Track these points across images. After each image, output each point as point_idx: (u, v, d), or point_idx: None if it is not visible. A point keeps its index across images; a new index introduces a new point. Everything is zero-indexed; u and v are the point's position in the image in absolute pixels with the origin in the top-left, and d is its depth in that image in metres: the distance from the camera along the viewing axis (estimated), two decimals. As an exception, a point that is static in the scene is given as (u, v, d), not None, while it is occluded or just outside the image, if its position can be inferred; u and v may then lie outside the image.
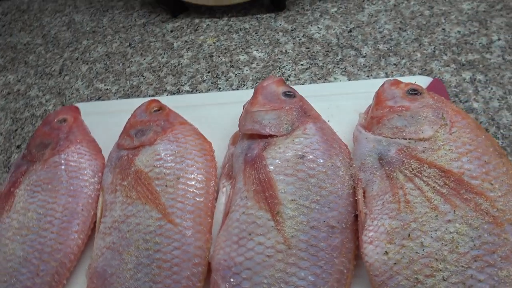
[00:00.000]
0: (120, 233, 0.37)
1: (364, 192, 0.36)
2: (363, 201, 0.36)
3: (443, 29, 0.57)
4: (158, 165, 0.40)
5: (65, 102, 0.59)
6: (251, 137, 0.41)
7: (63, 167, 0.42)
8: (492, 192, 0.32)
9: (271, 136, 0.40)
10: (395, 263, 0.32)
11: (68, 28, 0.72)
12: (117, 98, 0.58)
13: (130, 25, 0.69)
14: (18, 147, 0.54)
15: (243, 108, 0.45)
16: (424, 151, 0.35)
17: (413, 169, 0.35)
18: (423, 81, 0.49)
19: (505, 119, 0.46)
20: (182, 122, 0.45)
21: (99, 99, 0.58)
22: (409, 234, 0.32)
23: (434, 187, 0.33)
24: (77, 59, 0.65)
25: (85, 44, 0.68)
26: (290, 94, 0.43)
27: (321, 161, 0.38)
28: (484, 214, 0.31)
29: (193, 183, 0.40)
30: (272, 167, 0.37)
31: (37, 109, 0.59)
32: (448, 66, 0.53)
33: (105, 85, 0.60)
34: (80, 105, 0.52)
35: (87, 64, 0.64)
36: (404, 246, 0.32)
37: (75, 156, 0.44)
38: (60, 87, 0.61)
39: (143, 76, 0.60)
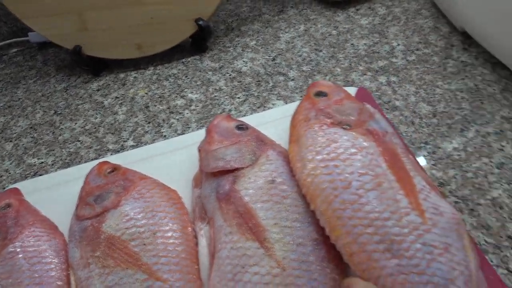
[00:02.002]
0: (107, 307, 0.35)
1: None
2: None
3: (352, 44, 0.65)
4: (130, 226, 0.39)
5: (-4, 186, 0.53)
6: (216, 175, 0.42)
7: (20, 255, 0.38)
8: None
9: (237, 169, 0.41)
10: None
11: (-22, 108, 0.66)
12: (55, 170, 0.54)
13: (50, 92, 0.66)
14: (-51, 248, 0.48)
15: (199, 150, 0.46)
16: None
17: None
18: (350, 91, 0.55)
19: (424, 110, 0.54)
20: (142, 177, 0.44)
21: (35, 175, 0.54)
22: None
23: None
24: (-3, 138, 0.60)
25: (2, 121, 0.63)
26: (243, 127, 0.45)
27: (290, 182, 0.40)
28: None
29: (170, 234, 0.39)
30: (247, 198, 0.39)
31: (-38, 201, 0.52)
32: (365, 74, 0.59)
33: (38, 159, 0.56)
34: (17, 186, 0.48)
35: (10, 141, 0.59)
36: None
37: (31, 241, 0.40)
38: (-15, 172, 0.56)
39: (79, 141, 0.57)
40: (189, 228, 0.40)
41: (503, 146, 0.49)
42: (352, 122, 0.43)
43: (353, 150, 0.40)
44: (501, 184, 0.46)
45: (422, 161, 0.48)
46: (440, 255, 0.35)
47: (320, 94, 0.46)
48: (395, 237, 0.35)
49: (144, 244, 0.37)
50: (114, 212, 0.40)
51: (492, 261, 0.40)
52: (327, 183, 0.39)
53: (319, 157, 0.40)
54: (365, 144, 0.41)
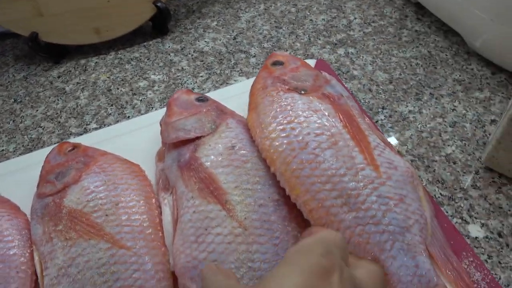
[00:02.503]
0: (70, 278, 0.35)
1: None
2: None
3: (311, 20, 0.66)
4: (92, 198, 0.39)
5: (-45, 177, 0.52)
6: (177, 145, 0.42)
7: (-20, 235, 0.38)
8: None
9: (198, 138, 0.41)
10: None
11: None
12: (18, 156, 0.53)
13: (9, 82, 0.65)
14: None
15: (161, 124, 0.46)
16: None
17: None
18: (309, 63, 0.56)
19: (380, 77, 0.55)
20: (103, 153, 0.44)
21: (-4, 162, 0.53)
22: None
23: None
24: (-45, 130, 0.58)
25: (-40, 113, 0.61)
26: (202, 99, 0.46)
27: (250, 147, 0.41)
28: None
29: (133, 203, 0.39)
30: (208, 164, 0.39)
31: None
32: (324, 48, 0.61)
33: (-2, 147, 0.55)
34: (-23, 173, 0.47)
35: (-31, 132, 0.58)
36: None
37: (-9, 221, 0.39)
38: None
39: (41, 127, 0.56)
40: (153, 199, 0.41)
41: (455, 106, 0.51)
42: (308, 87, 0.44)
43: (309, 113, 0.41)
44: (454, 141, 0.48)
45: (392, 140, 0.49)
46: (395, 206, 0.37)
47: (276, 63, 0.47)
48: (352, 192, 0.37)
49: (107, 215, 0.37)
50: (75, 187, 0.40)
51: (447, 212, 0.42)
52: (285, 145, 0.40)
53: (276, 120, 0.41)
54: (320, 106, 0.42)
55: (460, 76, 0.55)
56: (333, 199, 0.37)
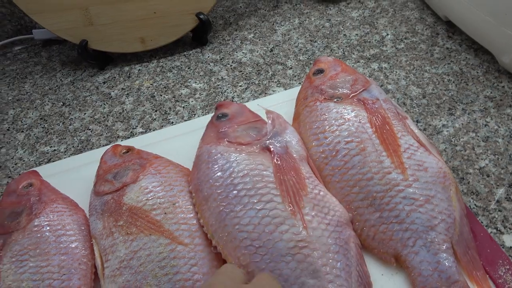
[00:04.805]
0: (133, 269, 0.37)
1: None
2: None
3: (344, 34, 0.69)
4: (150, 198, 0.41)
5: (10, 174, 0.55)
6: None
7: (47, 228, 0.41)
8: None
9: None
10: None
11: (-14, 102, 0.68)
12: (68, 156, 0.56)
13: (57, 86, 0.68)
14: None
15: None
16: None
17: None
18: (346, 76, 0.58)
19: (414, 92, 0.58)
20: (156, 156, 0.47)
21: (49, 161, 0.56)
22: None
23: None
24: (8, 129, 0.62)
25: (12, 114, 0.65)
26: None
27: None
28: None
29: (188, 204, 0.42)
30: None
31: (-22, 188, 0.54)
32: (358, 62, 0.63)
33: (51, 147, 0.58)
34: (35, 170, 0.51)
35: (22, 132, 0.61)
36: None
37: (55, 215, 0.42)
38: (-2, 161, 0.57)
39: (89, 130, 0.60)
40: (204, 200, 0.43)
41: (487, 121, 0.53)
42: (344, 95, 0.47)
43: (340, 121, 0.45)
44: (487, 155, 0.50)
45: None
46: (420, 206, 0.39)
47: (317, 72, 0.51)
48: (377, 194, 0.40)
49: (165, 213, 0.40)
50: (134, 186, 0.42)
51: (482, 222, 0.44)
52: (318, 153, 0.44)
53: (312, 131, 0.45)
54: (353, 114, 0.45)
55: (491, 93, 0.57)
56: (359, 201, 0.41)
